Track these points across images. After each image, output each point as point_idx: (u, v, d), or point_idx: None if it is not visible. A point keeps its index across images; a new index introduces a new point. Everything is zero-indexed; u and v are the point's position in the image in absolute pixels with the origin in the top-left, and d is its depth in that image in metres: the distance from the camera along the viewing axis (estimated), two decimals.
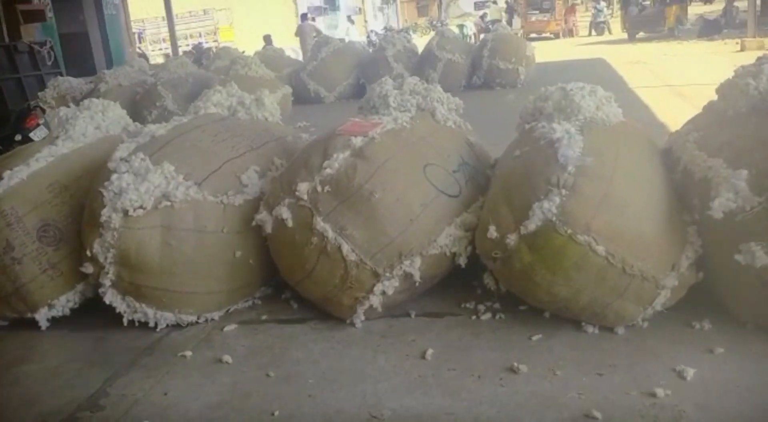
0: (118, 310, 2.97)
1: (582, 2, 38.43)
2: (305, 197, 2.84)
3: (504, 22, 23.64)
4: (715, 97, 3.07)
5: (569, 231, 2.46)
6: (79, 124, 3.71)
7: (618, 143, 2.88)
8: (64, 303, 3.13)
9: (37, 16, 13.09)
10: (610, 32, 25.95)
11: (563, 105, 3.10)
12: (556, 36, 27.24)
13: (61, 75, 10.86)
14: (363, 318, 2.88)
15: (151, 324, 2.98)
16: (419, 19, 40.20)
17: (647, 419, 2.09)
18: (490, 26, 20.35)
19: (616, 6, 27.86)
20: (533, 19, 27.81)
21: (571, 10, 28.48)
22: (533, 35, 26.18)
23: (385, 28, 25.53)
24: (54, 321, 3.14)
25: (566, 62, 15.34)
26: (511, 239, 2.57)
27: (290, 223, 2.85)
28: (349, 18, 24.44)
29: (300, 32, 18.08)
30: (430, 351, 2.59)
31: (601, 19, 26.55)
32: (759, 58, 3.01)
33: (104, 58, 15.83)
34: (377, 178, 2.83)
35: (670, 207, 2.69)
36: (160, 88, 9.04)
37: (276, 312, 3.13)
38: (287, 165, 3.23)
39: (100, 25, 16.06)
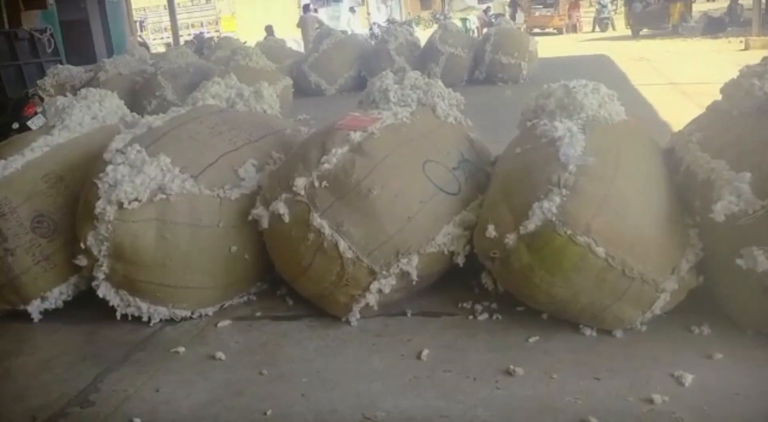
0: (111, 304, 2.94)
1: None
2: (302, 192, 2.80)
3: (507, 16, 23.58)
4: (718, 97, 3.04)
5: (569, 231, 2.42)
6: (76, 114, 3.67)
7: (620, 143, 2.84)
8: (57, 295, 3.11)
9: (37, 2, 12.97)
10: (613, 28, 25.86)
11: (565, 102, 3.07)
12: (560, 31, 27.16)
13: (61, 63, 10.78)
14: (359, 316, 2.85)
15: (145, 319, 2.95)
16: (422, 11, 39.96)
17: None
18: (493, 20, 20.23)
19: (620, 2, 27.69)
20: (537, 13, 27.74)
21: (574, 5, 28.36)
22: (536, 30, 26.08)
23: (387, 20, 25.44)
24: (47, 314, 3.11)
25: (569, 58, 15.28)
26: (510, 239, 2.54)
27: (287, 219, 2.81)
28: (351, 9, 24.32)
29: (302, 23, 18.00)
30: (425, 352, 2.56)
31: (605, 15, 26.48)
32: (764, 58, 2.97)
33: (105, 46, 15.69)
34: (376, 174, 2.79)
35: (671, 209, 2.66)
36: (160, 78, 8.99)
37: (271, 308, 3.09)
38: (285, 159, 3.20)
39: (102, 12, 15.91)
